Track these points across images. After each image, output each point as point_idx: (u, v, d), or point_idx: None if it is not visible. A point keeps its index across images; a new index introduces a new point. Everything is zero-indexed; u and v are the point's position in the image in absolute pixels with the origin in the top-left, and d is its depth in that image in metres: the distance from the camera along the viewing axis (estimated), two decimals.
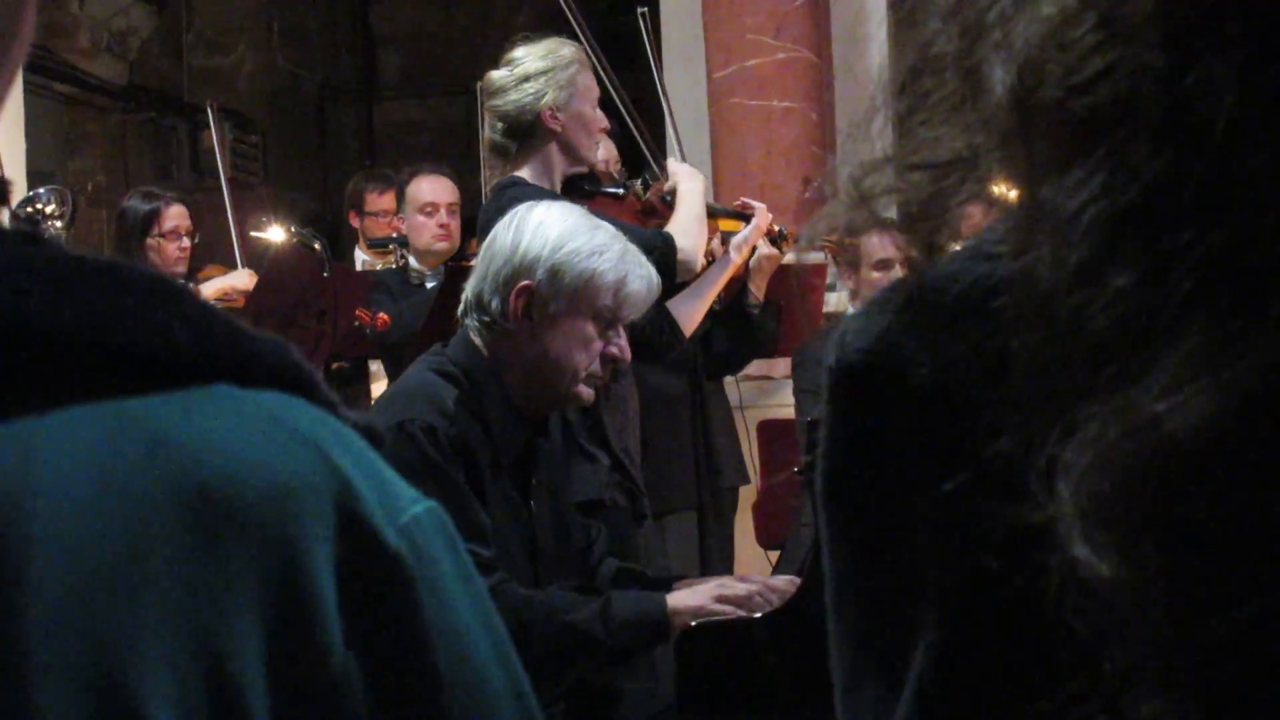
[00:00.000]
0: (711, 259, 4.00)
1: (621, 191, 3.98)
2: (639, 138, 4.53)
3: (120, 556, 0.58)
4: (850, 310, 4.93)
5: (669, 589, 2.78)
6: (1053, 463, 0.52)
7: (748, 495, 5.01)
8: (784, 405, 5.12)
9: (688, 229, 3.74)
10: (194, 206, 5.73)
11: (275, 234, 5.78)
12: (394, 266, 5.57)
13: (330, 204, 10.23)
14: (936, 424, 0.62)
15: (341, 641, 0.61)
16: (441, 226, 5.25)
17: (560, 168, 3.71)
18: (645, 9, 5.26)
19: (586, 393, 2.79)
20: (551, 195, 3.43)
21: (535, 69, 3.66)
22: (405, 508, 0.65)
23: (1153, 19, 0.50)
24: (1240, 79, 0.48)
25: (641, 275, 2.77)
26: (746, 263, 4.24)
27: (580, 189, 3.77)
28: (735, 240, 4.07)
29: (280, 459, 0.62)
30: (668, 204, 3.87)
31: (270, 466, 0.61)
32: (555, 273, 2.70)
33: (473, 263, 3.03)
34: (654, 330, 3.67)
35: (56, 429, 0.59)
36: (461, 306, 2.80)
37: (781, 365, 5.23)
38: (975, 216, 0.63)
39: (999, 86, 0.55)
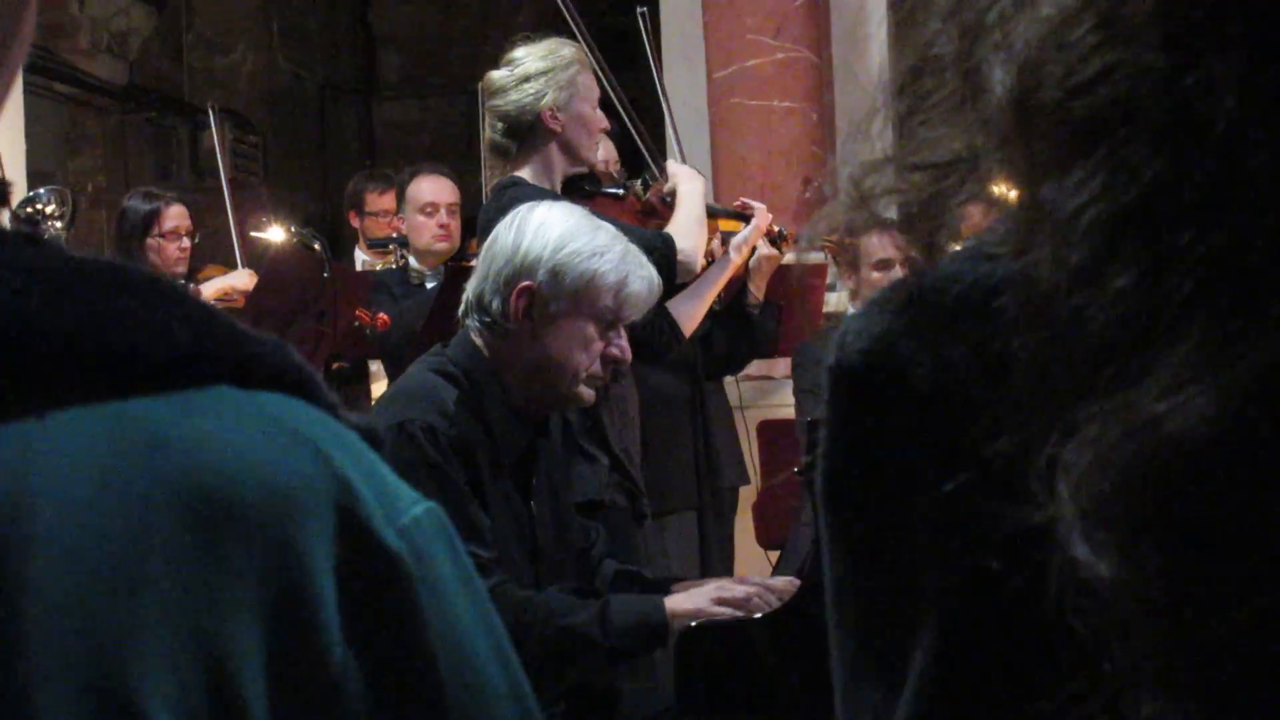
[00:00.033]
0: (711, 259, 4.00)
1: (621, 192, 3.98)
2: (638, 138, 4.53)
3: (120, 557, 0.59)
4: (850, 310, 4.94)
5: (667, 591, 2.78)
6: (1053, 463, 0.52)
7: (748, 495, 5.01)
8: (784, 405, 5.12)
9: (688, 230, 3.74)
10: (194, 206, 5.73)
11: (275, 234, 5.77)
12: (394, 266, 5.57)
13: (330, 204, 10.24)
14: (936, 424, 0.62)
15: (341, 642, 0.61)
16: (441, 226, 5.25)
17: (560, 168, 3.72)
18: (645, 9, 5.26)
19: (587, 393, 2.80)
20: (552, 195, 3.43)
21: (536, 69, 3.66)
22: (405, 509, 0.65)
23: (1153, 19, 0.50)
24: (1240, 79, 0.48)
25: (642, 276, 2.77)
26: (746, 263, 4.24)
27: (580, 189, 3.77)
28: (735, 241, 4.07)
29: (280, 460, 0.62)
30: (668, 205, 3.87)
31: (270, 468, 0.62)
32: (556, 273, 2.70)
33: (473, 263, 3.03)
34: (654, 331, 3.67)
35: (57, 430, 0.59)
36: (462, 307, 2.80)
37: (781, 365, 5.23)
38: (975, 217, 0.63)
39: (999, 87, 0.55)
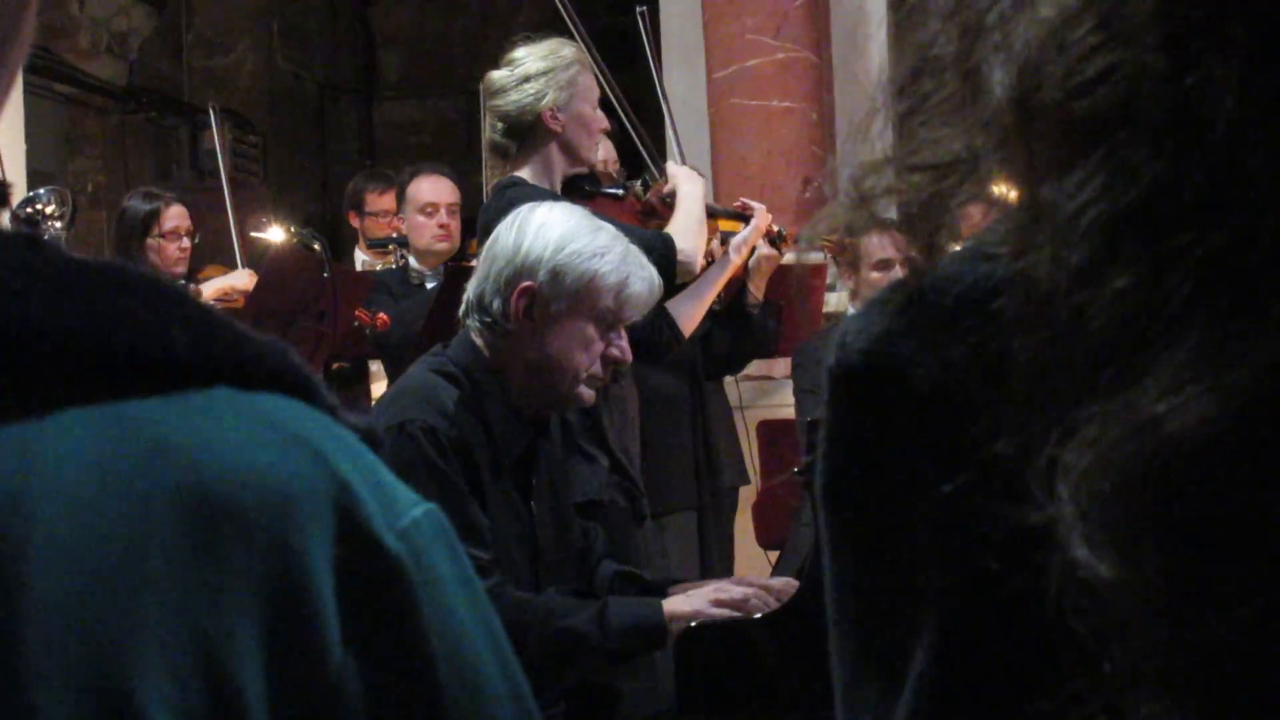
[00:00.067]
0: (711, 260, 4.00)
1: (621, 193, 3.98)
2: (638, 138, 4.53)
3: (119, 559, 0.59)
4: (850, 310, 4.94)
5: (664, 593, 2.78)
6: (1053, 464, 0.52)
7: (748, 495, 5.01)
8: (784, 405, 5.12)
9: (687, 230, 3.74)
10: (194, 206, 5.73)
11: (275, 234, 5.77)
12: (394, 267, 5.57)
13: (330, 204, 10.23)
14: (936, 425, 0.62)
15: (340, 644, 0.61)
16: (442, 227, 5.24)
17: (560, 168, 3.72)
18: (645, 9, 5.26)
19: (587, 394, 2.80)
20: (552, 195, 3.43)
21: (536, 69, 3.66)
22: (404, 511, 0.65)
23: (1152, 20, 0.50)
24: (1240, 80, 0.48)
25: (643, 277, 2.77)
26: (746, 263, 4.24)
27: (581, 190, 3.78)
28: (735, 241, 4.07)
29: (279, 462, 0.62)
30: (667, 205, 3.88)
31: (269, 470, 0.62)
32: (557, 274, 2.70)
33: (473, 263, 3.03)
34: (653, 331, 3.67)
35: (56, 432, 0.59)
36: (463, 307, 2.80)
37: (781, 365, 5.23)
38: (975, 217, 0.63)
39: (999, 88, 0.55)
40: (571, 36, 4.04)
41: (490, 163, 3.91)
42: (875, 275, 4.55)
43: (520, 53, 3.71)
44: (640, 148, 4.53)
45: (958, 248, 0.63)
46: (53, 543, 0.58)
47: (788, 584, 2.80)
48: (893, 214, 0.63)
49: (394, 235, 5.71)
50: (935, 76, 0.60)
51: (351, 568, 0.62)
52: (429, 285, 5.07)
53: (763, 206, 4.19)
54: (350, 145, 12.62)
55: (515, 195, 3.39)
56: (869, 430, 0.66)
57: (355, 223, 6.37)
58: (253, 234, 5.97)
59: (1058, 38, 0.52)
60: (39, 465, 0.59)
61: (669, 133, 5.10)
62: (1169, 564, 0.49)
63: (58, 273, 0.61)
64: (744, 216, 4.15)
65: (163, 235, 5.46)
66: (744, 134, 6.41)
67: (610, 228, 2.82)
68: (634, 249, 2.79)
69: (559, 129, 3.66)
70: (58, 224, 5.04)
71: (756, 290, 4.40)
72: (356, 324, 4.86)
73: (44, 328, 0.59)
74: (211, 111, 6.85)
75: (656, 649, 2.73)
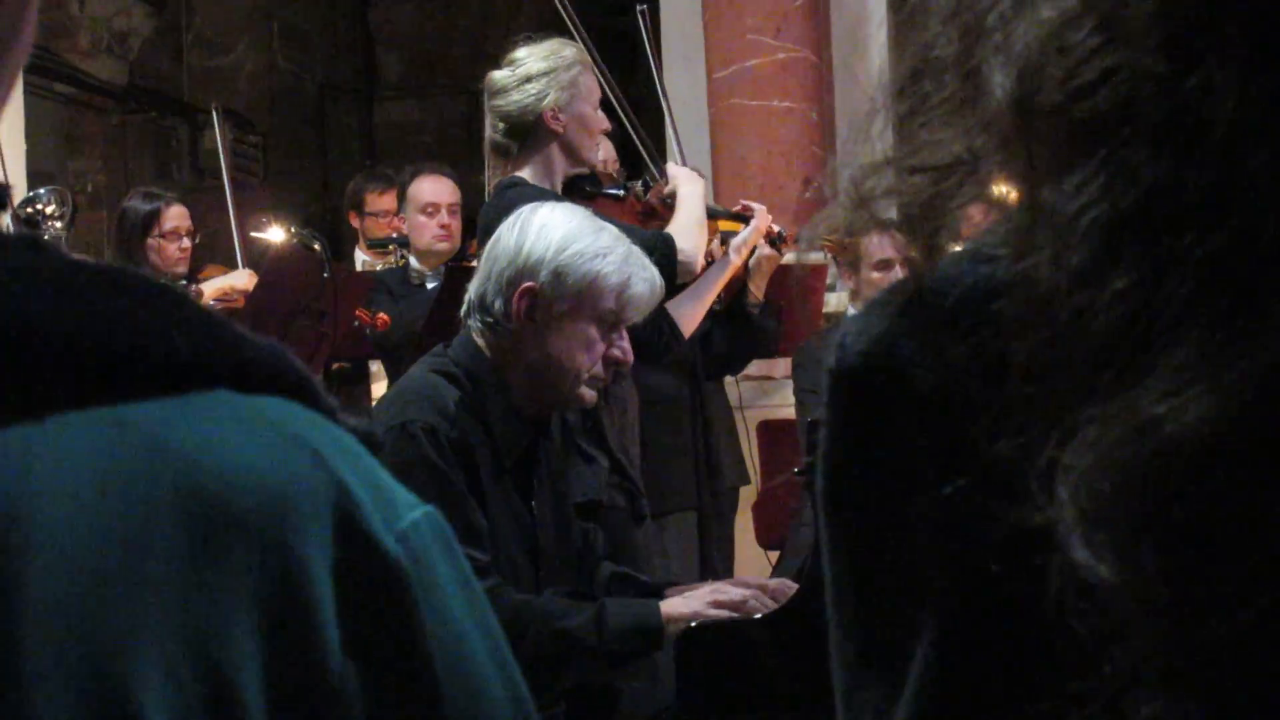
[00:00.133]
0: (711, 260, 4.00)
1: (622, 193, 3.98)
2: (638, 139, 4.53)
3: (118, 561, 0.59)
4: (850, 310, 4.94)
5: (662, 595, 2.78)
6: (1053, 465, 0.52)
7: (748, 495, 5.01)
8: (784, 405, 5.12)
9: (688, 231, 3.74)
10: (194, 206, 5.73)
11: (275, 234, 5.77)
12: (394, 267, 5.57)
13: (330, 204, 10.23)
14: (936, 426, 0.62)
15: (339, 646, 0.61)
16: (442, 227, 5.24)
17: (561, 168, 3.72)
18: (645, 9, 5.26)
19: (589, 394, 2.80)
20: (553, 196, 3.43)
21: (537, 70, 3.66)
22: (403, 513, 0.65)
23: (1153, 22, 0.50)
24: (1240, 82, 0.48)
25: (645, 278, 2.77)
26: (746, 264, 4.24)
27: (581, 190, 3.78)
28: (735, 241, 4.08)
29: (278, 464, 0.62)
30: (668, 206, 3.88)
31: (268, 472, 0.62)
32: (559, 274, 2.70)
33: (473, 263, 3.03)
34: (653, 331, 3.67)
35: (55, 434, 0.59)
36: (464, 307, 2.80)
37: (781, 365, 5.23)
38: (975, 218, 0.63)
39: (999, 90, 0.55)
40: (572, 37, 4.03)
41: (491, 163, 3.90)
42: (875, 276, 4.55)
43: (522, 53, 3.71)
44: (640, 148, 4.53)
45: (958, 248, 0.63)
46: (52, 544, 0.58)
47: (783, 584, 2.80)
48: (893, 215, 0.63)
49: (394, 235, 5.71)
50: (936, 78, 0.60)
51: (350, 569, 0.62)
52: (429, 285, 5.07)
53: (763, 207, 4.19)
54: (350, 145, 12.62)
55: (516, 195, 3.39)
56: (869, 431, 0.66)
57: (355, 223, 6.37)
58: (253, 234, 5.96)
59: (1058, 39, 0.52)
60: (39, 467, 0.59)
61: (669, 133, 5.09)
62: (1169, 565, 0.49)
63: (58, 274, 0.61)
64: (744, 217, 4.15)
65: (163, 235, 5.45)
66: (744, 134, 6.40)
67: (612, 228, 2.82)
68: (636, 250, 2.79)
69: (560, 129, 3.66)
70: (58, 224, 5.04)
71: (757, 290, 4.40)
72: (356, 324, 4.86)
73: (44, 329, 0.59)
74: (214, 113, 6.84)
75: (654, 651, 2.73)
